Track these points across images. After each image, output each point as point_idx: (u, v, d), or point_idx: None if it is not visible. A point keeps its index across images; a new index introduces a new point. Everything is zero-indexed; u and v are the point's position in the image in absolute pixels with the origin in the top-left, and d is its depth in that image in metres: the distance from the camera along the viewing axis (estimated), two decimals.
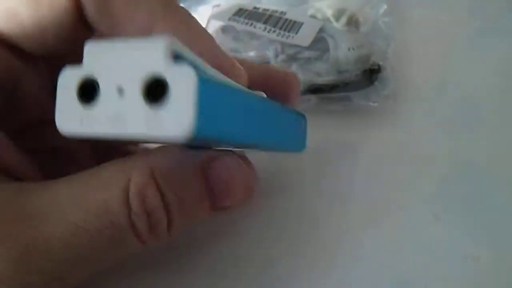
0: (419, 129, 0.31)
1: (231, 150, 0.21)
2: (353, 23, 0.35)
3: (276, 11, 0.36)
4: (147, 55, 0.14)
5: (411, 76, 0.34)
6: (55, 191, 0.17)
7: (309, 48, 0.33)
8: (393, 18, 0.35)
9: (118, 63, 0.14)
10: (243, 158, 0.22)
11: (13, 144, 0.19)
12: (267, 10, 0.36)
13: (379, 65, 0.32)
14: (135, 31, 0.18)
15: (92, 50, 0.15)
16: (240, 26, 0.36)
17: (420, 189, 0.28)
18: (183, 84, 0.13)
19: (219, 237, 0.27)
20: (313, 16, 0.36)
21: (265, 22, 0.35)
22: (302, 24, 0.35)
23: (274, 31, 0.35)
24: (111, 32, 0.19)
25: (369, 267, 0.25)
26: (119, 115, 0.14)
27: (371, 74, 0.32)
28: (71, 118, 0.15)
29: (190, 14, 0.19)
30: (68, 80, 0.15)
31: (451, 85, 0.33)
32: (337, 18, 0.35)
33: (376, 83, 0.32)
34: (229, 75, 0.19)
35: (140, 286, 0.25)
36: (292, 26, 0.35)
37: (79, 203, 0.17)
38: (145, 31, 0.18)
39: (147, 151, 0.19)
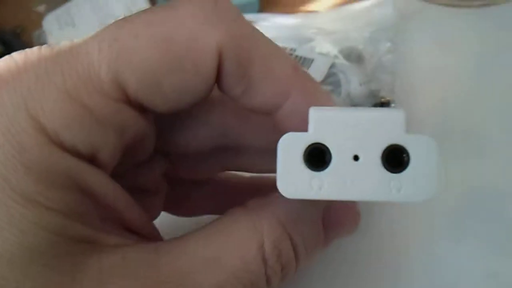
0: None
1: None
2: (359, 60, 0.37)
3: (286, 48, 0.38)
4: (387, 127, 0.15)
5: (417, 110, 0.36)
6: (191, 252, 0.17)
7: (321, 83, 0.35)
8: (396, 56, 0.38)
9: (353, 132, 0.15)
10: None
11: (137, 206, 0.19)
12: None
13: (388, 100, 0.34)
14: (271, 95, 0.18)
15: (318, 116, 0.16)
16: None
17: (439, 217, 0.30)
18: (423, 152, 0.15)
19: None
20: (321, 54, 0.37)
21: None
22: (313, 60, 0.36)
23: None
24: (243, 96, 0.19)
25: None
26: (354, 180, 0.15)
27: (381, 107, 0.34)
28: (298, 182, 0.15)
29: (313, 78, 0.20)
30: (293, 145, 0.16)
31: (455, 118, 0.35)
32: (344, 55, 0.37)
33: None
34: None
35: None
36: (303, 62, 0.36)
37: (217, 263, 0.17)
38: (282, 96, 0.18)
39: (269, 200, 0.19)
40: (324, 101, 0.19)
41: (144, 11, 0.18)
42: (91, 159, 0.17)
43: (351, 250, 0.29)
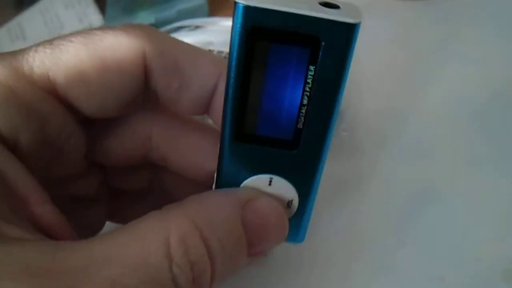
0: (377, 160, 0.32)
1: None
2: None
3: None
4: None
5: (365, 109, 0.35)
6: (90, 248, 0.16)
7: None
8: None
9: None
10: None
11: (52, 204, 0.19)
12: (221, 52, 0.37)
13: None
14: (206, 78, 0.21)
15: None
16: None
17: (385, 219, 0.29)
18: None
19: None
20: None
21: None
22: None
23: None
24: (179, 92, 0.21)
25: None
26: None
27: None
28: None
29: None
30: None
31: (404, 116, 0.34)
32: None
33: None
34: None
35: None
36: None
37: (115, 258, 0.16)
38: (216, 76, 0.20)
39: (185, 201, 0.19)
40: None
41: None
42: (12, 144, 0.18)
43: (296, 254, 0.28)
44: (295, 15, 0.16)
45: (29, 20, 0.50)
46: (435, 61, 0.36)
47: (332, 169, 0.32)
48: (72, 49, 0.19)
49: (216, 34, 0.40)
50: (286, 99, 0.18)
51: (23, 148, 0.19)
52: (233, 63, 0.17)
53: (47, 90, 0.19)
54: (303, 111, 0.18)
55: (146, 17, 0.44)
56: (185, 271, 0.17)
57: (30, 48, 0.19)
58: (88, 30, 0.20)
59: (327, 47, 0.17)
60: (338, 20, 0.16)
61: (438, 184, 0.30)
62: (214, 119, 0.22)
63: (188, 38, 0.40)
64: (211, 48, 0.38)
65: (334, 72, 0.18)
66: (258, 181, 0.20)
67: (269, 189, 0.20)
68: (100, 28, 0.20)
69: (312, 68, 0.17)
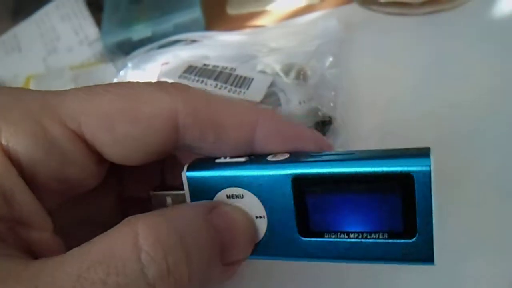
0: None
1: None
2: (301, 76, 0.36)
3: (226, 68, 0.37)
4: None
5: (361, 125, 0.35)
6: (62, 255, 0.17)
7: (261, 103, 0.34)
8: (339, 70, 0.37)
9: None
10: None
11: (52, 233, 0.20)
12: (217, 66, 0.37)
13: (330, 117, 0.33)
14: (242, 131, 0.21)
15: None
16: (191, 83, 0.36)
17: None
18: None
19: None
20: (262, 72, 0.36)
21: (216, 79, 0.36)
22: (252, 79, 0.35)
23: (225, 87, 0.35)
24: (213, 148, 0.22)
25: None
26: None
27: (322, 126, 0.33)
28: None
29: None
30: None
31: (400, 132, 0.34)
32: (286, 73, 0.36)
33: (327, 134, 0.33)
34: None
35: None
36: (243, 82, 0.35)
37: (79, 255, 0.16)
38: (250, 127, 0.21)
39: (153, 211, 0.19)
40: (285, 123, 0.22)
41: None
42: (29, 175, 0.19)
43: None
44: None
45: (24, 32, 0.50)
46: (431, 76, 0.36)
47: None
48: (107, 98, 0.20)
49: (212, 49, 0.40)
50: None
51: (39, 181, 0.19)
52: None
53: (75, 133, 0.20)
54: None
55: (142, 30, 0.44)
56: (156, 260, 0.17)
57: (70, 90, 0.20)
58: (127, 82, 0.21)
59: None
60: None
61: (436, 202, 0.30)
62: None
63: (184, 52, 0.40)
64: (207, 62, 0.38)
65: None
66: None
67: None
68: (138, 83, 0.21)
69: None
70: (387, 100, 0.36)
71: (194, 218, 0.19)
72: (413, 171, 0.19)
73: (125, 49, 0.43)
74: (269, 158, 0.21)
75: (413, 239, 0.20)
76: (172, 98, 0.20)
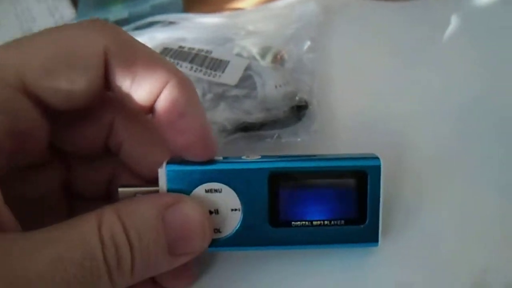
0: None
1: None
2: (278, 60, 0.36)
3: (202, 50, 0.36)
4: None
5: (337, 110, 0.34)
6: (32, 234, 0.19)
7: (236, 86, 0.33)
8: (317, 54, 0.36)
9: None
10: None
11: (2, 201, 0.20)
12: (193, 49, 0.36)
13: (306, 101, 0.33)
14: (153, 84, 0.22)
15: None
16: None
17: None
18: None
19: None
20: (238, 55, 0.36)
21: (191, 61, 0.35)
22: (228, 62, 0.35)
23: (200, 70, 0.34)
24: (131, 90, 0.22)
25: None
26: None
27: (298, 111, 0.33)
28: None
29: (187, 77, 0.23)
30: None
31: (375, 118, 0.33)
32: (263, 56, 0.35)
33: (303, 119, 0.33)
34: None
35: None
36: (218, 65, 0.35)
37: (57, 238, 0.19)
38: (161, 84, 0.22)
39: (118, 201, 0.22)
40: (193, 97, 0.23)
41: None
42: None
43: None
44: None
45: (0, 13, 0.49)
46: (410, 62, 0.36)
47: None
48: (40, 46, 0.21)
49: (189, 31, 0.39)
50: None
51: None
52: None
53: (16, 87, 0.20)
54: None
55: (119, 12, 0.43)
56: (112, 253, 0.19)
57: (11, 43, 0.21)
58: (55, 27, 0.22)
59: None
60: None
61: (411, 189, 0.30)
62: (156, 122, 0.23)
63: (161, 33, 0.40)
64: (183, 44, 0.37)
65: None
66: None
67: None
68: (67, 24, 0.22)
69: None
70: (365, 85, 0.35)
71: (146, 215, 0.21)
72: (367, 168, 0.24)
73: None
74: (243, 157, 0.24)
75: (364, 225, 0.24)
76: (105, 38, 0.21)
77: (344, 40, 0.38)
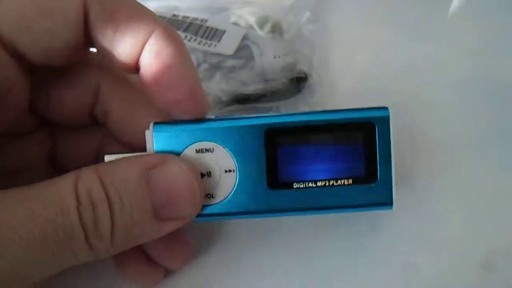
0: None
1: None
2: (277, 30, 0.34)
3: (197, 19, 0.34)
4: None
5: (337, 83, 0.33)
6: (10, 192, 0.18)
7: (233, 56, 0.32)
8: (317, 25, 0.35)
9: None
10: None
11: None
12: (187, 17, 0.34)
13: (305, 73, 0.32)
14: (136, 37, 0.20)
15: None
16: None
17: None
18: None
19: None
20: (235, 24, 0.34)
21: (185, 30, 0.33)
22: (224, 31, 0.33)
23: (195, 40, 0.33)
24: (112, 44, 0.21)
25: None
26: None
27: (298, 82, 0.31)
28: None
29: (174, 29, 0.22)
30: None
31: (377, 91, 0.32)
32: (261, 26, 0.34)
33: (303, 91, 0.31)
34: None
35: None
36: (214, 34, 0.33)
37: (33, 195, 0.18)
38: (145, 36, 0.20)
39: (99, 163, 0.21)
40: (180, 47, 0.21)
41: None
42: None
43: (265, 233, 0.26)
44: None
45: None
46: (411, 35, 0.35)
47: None
48: None
49: None
50: None
51: None
52: None
53: None
54: None
55: None
56: (88, 211, 0.18)
57: None
58: None
59: None
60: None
61: (413, 168, 0.29)
62: (142, 79, 0.21)
63: (155, 2, 0.38)
64: (177, 13, 0.35)
65: None
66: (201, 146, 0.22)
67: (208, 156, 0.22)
68: None
69: None
70: (365, 57, 0.34)
71: (128, 175, 0.20)
72: (374, 119, 0.21)
73: None
74: (237, 114, 0.22)
75: (375, 183, 0.21)
76: None
77: (344, 12, 0.36)
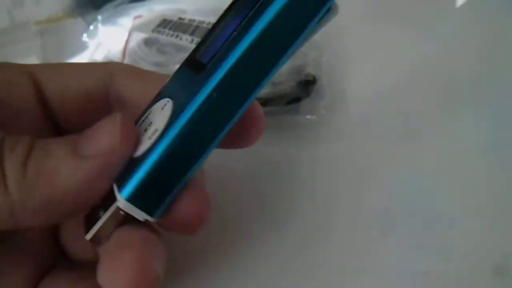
0: (358, 141, 0.30)
1: None
2: None
3: (203, 22, 0.34)
4: None
5: (347, 87, 0.32)
6: None
7: None
8: (325, 28, 0.34)
9: None
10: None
11: None
12: (193, 21, 0.34)
13: (314, 76, 0.31)
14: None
15: None
16: (165, 38, 0.33)
17: (365, 204, 0.27)
18: None
19: None
20: None
21: (191, 34, 0.33)
22: None
23: None
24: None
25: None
26: None
27: (306, 86, 0.31)
28: None
29: None
30: None
31: (386, 95, 0.32)
32: None
33: (312, 94, 0.31)
34: None
35: None
36: None
37: None
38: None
39: None
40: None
41: None
42: None
43: (275, 242, 0.26)
44: None
45: None
46: (423, 35, 0.34)
47: (307, 150, 0.30)
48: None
49: (189, 2, 0.37)
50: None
51: None
52: None
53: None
54: None
55: None
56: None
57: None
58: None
59: None
60: None
61: (425, 169, 0.28)
62: None
63: (159, 5, 0.37)
64: (183, 16, 0.35)
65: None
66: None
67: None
68: None
69: None
70: (377, 59, 0.33)
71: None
72: None
73: (96, 3, 0.40)
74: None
75: None
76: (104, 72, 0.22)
77: (355, 12, 0.36)
